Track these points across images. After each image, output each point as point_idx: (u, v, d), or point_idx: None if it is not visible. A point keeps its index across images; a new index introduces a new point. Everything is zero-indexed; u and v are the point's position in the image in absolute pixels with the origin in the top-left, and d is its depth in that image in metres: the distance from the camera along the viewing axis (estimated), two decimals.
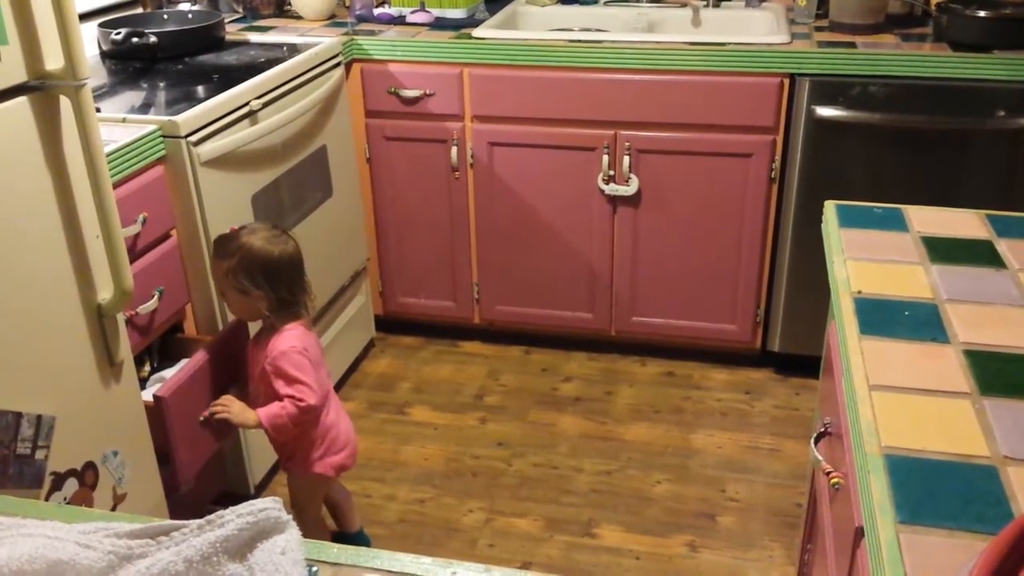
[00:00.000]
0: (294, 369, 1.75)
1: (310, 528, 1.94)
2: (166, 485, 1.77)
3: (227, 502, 0.71)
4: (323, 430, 1.85)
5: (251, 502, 0.70)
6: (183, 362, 1.86)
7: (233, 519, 0.68)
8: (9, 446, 1.40)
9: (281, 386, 1.76)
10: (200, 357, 1.81)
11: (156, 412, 1.69)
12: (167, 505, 1.82)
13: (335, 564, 0.73)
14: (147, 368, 1.92)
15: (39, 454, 1.46)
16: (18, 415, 1.41)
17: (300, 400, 1.74)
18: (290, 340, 1.77)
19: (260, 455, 2.26)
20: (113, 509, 1.64)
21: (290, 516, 0.71)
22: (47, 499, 1.48)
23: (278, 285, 1.77)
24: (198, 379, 1.78)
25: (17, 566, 0.65)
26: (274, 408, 1.75)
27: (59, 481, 1.51)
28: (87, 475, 1.57)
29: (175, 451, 1.72)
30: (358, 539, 2.09)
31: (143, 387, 1.82)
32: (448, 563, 0.72)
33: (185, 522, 0.70)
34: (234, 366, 1.89)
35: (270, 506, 0.69)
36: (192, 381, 1.76)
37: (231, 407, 1.78)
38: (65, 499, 1.52)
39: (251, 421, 1.77)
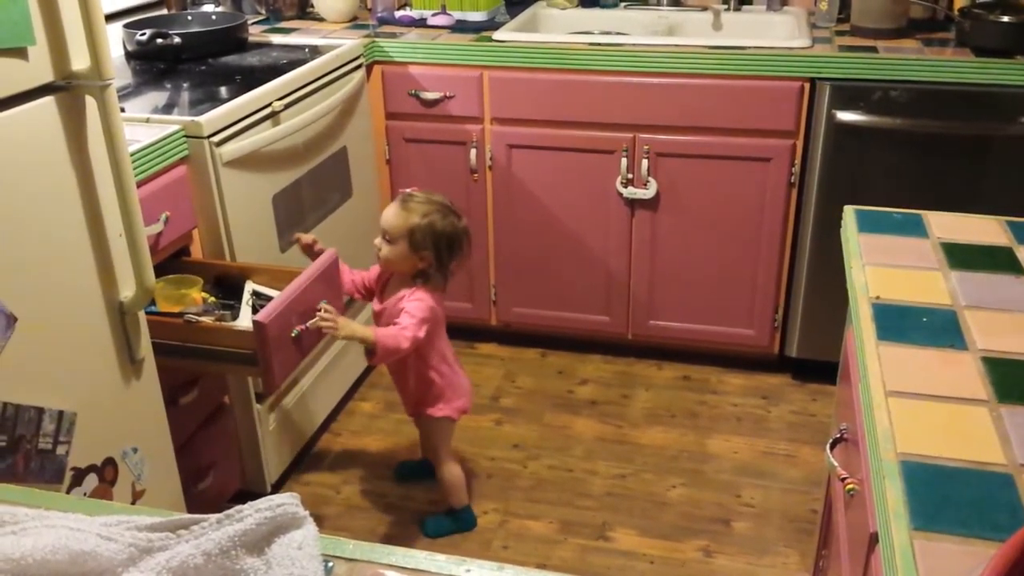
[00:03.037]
0: (420, 313, 1.94)
1: (448, 463, 2.19)
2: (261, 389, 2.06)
3: (244, 501, 0.72)
4: (447, 382, 2.10)
5: (269, 497, 0.71)
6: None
7: (251, 514, 0.69)
8: (31, 441, 1.42)
9: (405, 319, 1.93)
10: (297, 285, 1.81)
11: (257, 333, 1.72)
12: (185, 501, 1.84)
13: (351, 560, 0.74)
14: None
15: (60, 449, 1.48)
16: (40, 410, 1.43)
17: (407, 334, 1.90)
18: (424, 297, 1.97)
19: (277, 455, 2.28)
20: (132, 505, 1.66)
21: (307, 512, 0.72)
22: (67, 494, 1.50)
23: (447, 255, 1.98)
24: (293, 305, 1.79)
25: (41, 556, 0.66)
26: (392, 330, 1.92)
27: (79, 476, 1.53)
28: (107, 471, 1.59)
29: (272, 365, 1.75)
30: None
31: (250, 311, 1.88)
32: (462, 560, 0.72)
33: (204, 516, 0.71)
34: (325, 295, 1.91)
35: (287, 501, 0.70)
36: (290, 306, 1.78)
37: (338, 321, 1.84)
38: (85, 494, 1.54)
39: (361, 334, 1.87)
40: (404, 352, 1.94)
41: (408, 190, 2.02)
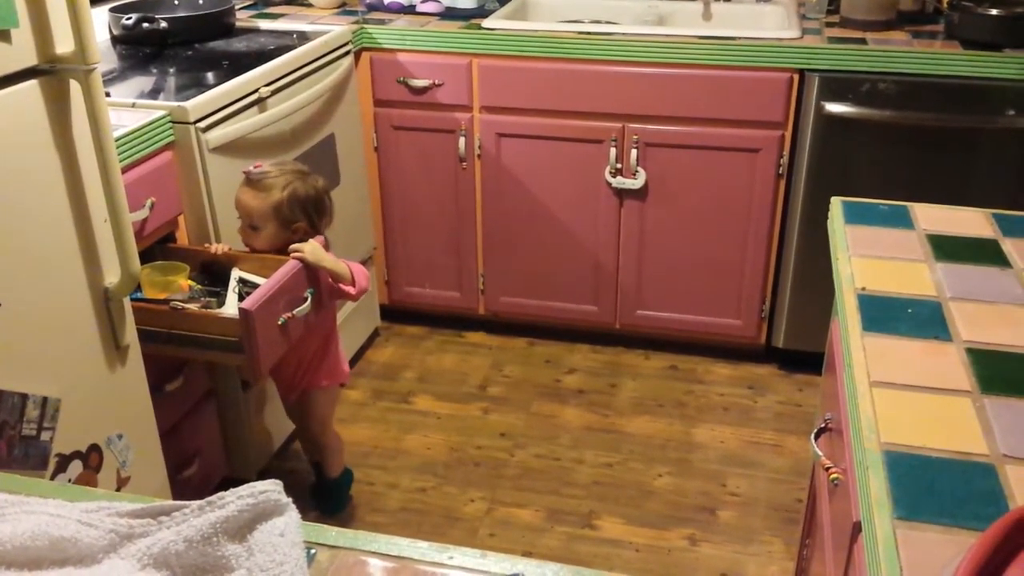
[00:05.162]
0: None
1: (334, 432, 2.20)
2: (244, 379, 2.10)
3: (231, 488, 0.71)
4: (338, 344, 2.12)
5: (252, 484, 0.70)
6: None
7: (233, 500, 0.69)
8: (15, 427, 1.41)
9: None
10: (284, 273, 1.81)
11: (243, 320, 1.71)
12: (171, 488, 1.84)
13: (333, 547, 0.73)
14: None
15: (44, 436, 1.47)
16: (24, 396, 1.42)
17: (365, 271, 1.96)
18: None
19: (263, 442, 2.28)
20: (117, 491, 1.65)
21: (290, 499, 0.72)
22: (52, 480, 1.49)
23: (317, 218, 1.96)
24: (280, 292, 1.79)
25: (20, 542, 0.66)
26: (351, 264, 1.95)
27: (64, 463, 1.52)
28: (91, 457, 1.58)
29: (258, 353, 1.74)
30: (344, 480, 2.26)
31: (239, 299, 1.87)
32: (444, 548, 0.72)
33: (186, 503, 0.71)
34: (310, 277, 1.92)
35: (270, 488, 0.70)
36: (276, 294, 1.77)
37: (304, 249, 1.85)
38: (69, 481, 1.54)
39: (332, 263, 1.89)
40: (367, 287, 1.98)
41: (253, 168, 1.91)
